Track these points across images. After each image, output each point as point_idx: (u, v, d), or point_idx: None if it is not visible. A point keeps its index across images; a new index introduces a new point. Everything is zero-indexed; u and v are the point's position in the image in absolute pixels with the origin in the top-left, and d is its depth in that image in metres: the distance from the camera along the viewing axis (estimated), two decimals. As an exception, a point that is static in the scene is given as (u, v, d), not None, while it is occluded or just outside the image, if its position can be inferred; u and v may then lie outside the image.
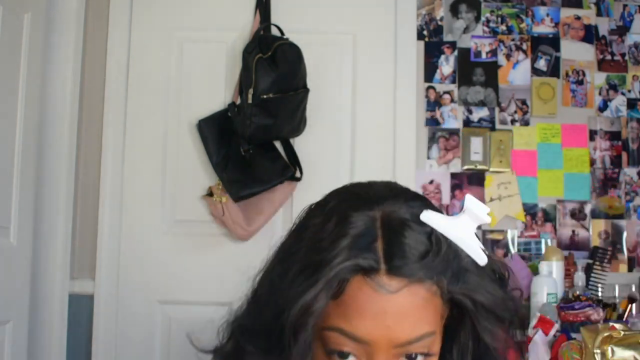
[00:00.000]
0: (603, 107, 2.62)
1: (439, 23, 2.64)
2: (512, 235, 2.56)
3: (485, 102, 2.61)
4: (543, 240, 2.56)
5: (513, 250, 2.54)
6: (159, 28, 2.62)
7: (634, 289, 2.36)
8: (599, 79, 2.63)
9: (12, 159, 2.19)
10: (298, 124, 2.46)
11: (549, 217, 2.57)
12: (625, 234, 2.57)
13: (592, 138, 2.60)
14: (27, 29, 2.24)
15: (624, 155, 2.60)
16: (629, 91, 2.62)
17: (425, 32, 2.64)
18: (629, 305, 2.20)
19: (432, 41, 2.64)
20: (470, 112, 2.61)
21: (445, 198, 2.57)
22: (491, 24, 2.65)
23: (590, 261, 2.42)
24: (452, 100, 2.61)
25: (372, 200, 0.82)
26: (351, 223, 0.79)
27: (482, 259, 0.81)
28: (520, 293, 0.89)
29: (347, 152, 2.57)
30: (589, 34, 2.65)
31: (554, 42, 2.64)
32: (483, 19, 2.65)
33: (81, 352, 2.52)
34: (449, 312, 0.84)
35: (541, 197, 2.58)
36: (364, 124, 2.57)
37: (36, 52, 2.31)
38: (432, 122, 2.61)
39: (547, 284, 2.18)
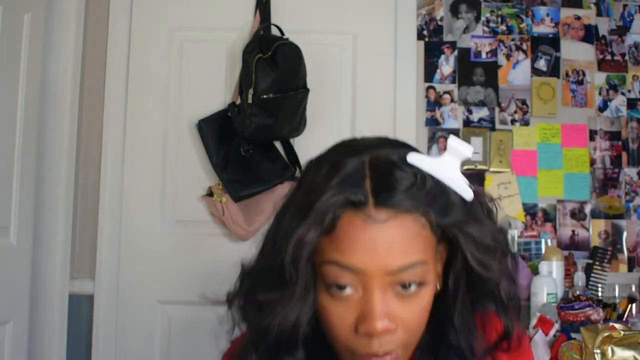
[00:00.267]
0: (603, 107, 2.62)
1: (439, 23, 2.64)
2: (512, 235, 2.56)
3: (485, 102, 2.61)
4: (543, 240, 2.56)
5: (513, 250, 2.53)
6: (159, 28, 2.62)
7: (634, 289, 2.36)
8: (599, 79, 2.63)
9: (12, 159, 2.19)
10: (298, 124, 2.46)
11: (549, 217, 2.57)
12: (625, 234, 2.57)
13: (592, 138, 2.60)
14: (27, 28, 2.24)
15: (624, 155, 2.60)
16: (629, 91, 2.62)
17: (425, 32, 2.64)
18: (629, 305, 2.20)
19: (432, 41, 2.64)
20: (470, 112, 2.61)
21: (445, 198, 2.57)
22: (491, 24, 2.65)
23: (590, 261, 2.42)
24: (452, 100, 2.61)
25: (362, 148, 0.87)
26: (342, 166, 0.84)
27: (468, 194, 0.85)
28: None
29: (347, 152, 2.56)
30: (589, 34, 2.65)
31: (554, 42, 2.64)
32: (483, 19, 2.65)
33: (81, 352, 2.52)
34: (446, 252, 0.88)
35: (541, 197, 2.58)
36: (364, 124, 2.57)
37: (36, 52, 2.31)
38: (432, 122, 2.61)
39: (547, 284, 2.17)
